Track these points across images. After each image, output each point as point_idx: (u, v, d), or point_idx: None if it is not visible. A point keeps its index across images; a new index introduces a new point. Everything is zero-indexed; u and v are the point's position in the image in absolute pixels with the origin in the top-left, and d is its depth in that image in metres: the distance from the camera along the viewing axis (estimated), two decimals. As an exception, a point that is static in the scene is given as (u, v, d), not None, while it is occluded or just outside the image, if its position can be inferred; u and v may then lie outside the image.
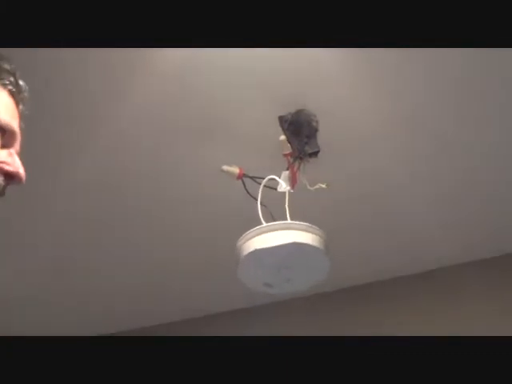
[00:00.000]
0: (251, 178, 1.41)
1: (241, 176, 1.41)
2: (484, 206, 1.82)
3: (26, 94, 0.88)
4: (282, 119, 1.42)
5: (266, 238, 1.24)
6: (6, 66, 0.85)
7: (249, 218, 1.30)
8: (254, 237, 1.25)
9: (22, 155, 1.53)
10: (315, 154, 1.38)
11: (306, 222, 1.27)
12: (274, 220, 1.31)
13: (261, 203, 1.33)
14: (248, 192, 1.40)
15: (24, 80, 1.36)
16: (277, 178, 1.36)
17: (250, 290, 1.38)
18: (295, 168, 1.38)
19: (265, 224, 1.26)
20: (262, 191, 1.35)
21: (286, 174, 1.38)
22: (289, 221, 1.27)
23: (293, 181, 1.37)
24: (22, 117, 0.89)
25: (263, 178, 1.37)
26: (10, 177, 0.85)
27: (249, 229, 1.27)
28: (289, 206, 1.32)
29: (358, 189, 1.72)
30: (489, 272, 2.00)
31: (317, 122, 1.39)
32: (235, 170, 1.42)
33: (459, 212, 1.83)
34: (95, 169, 1.61)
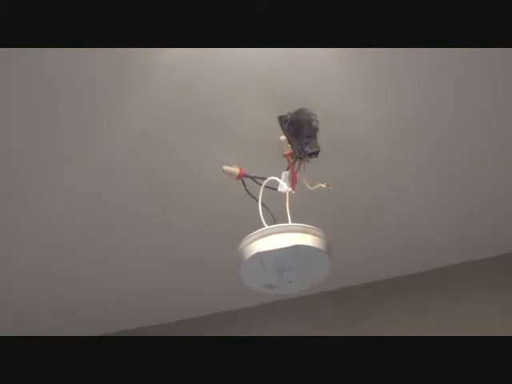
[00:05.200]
0: (251, 178, 1.41)
1: (241, 176, 1.41)
2: (484, 205, 1.82)
3: None
4: (281, 119, 1.42)
5: (268, 240, 1.24)
6: None
7: (249, 219, 1.30)
8: (256, 239, 1.25)
9: (24, 155, 1.54)
10: (315, 153, 1.38)
11: (306, 222, 1.27)
12: (275, 220, 1.31)
13: (261, 204, 1.34)
14: (248, 192, 1.40)
15: (26, 80, 1.36)
16: (278, 179, 1.36)
17: (250, 290, 1.38)
18: (295, 168, 1.38)
19: (267, 226, 1.26)
20: (262, 191, 1.35)
21: (286, 174, 1.38)
22: (290, 223, 1.28)
23: (293, 181, 1.37)
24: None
25: (263, 179, 1.37)
26: None
27: (249, 229, 1.27)
28: (289, 206, 1.32)
29: (358, 189, 1.72)
30: (489, 272, 2.00)
31: (317, 121, 1.39)
32: (235, 169, 1.42)
33: (459, 212, 1.82)
34: (94, 171, 1.60)
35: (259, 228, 1.27)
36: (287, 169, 1.39)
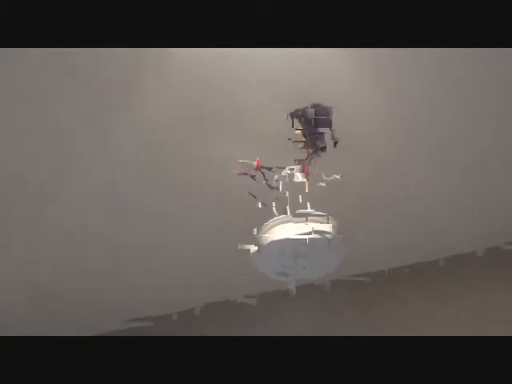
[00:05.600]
0: (268, 169, 1.42)
1: (259, 167, 1.43)
2: (485, 204, 1.83)
3: None
4: (296, 113, 1.42)
5: (284, 228, 1.26)
6: None
7: (258, 213, 1.31)
8: (272, 227, 1.27)
9: (35, 155, 1.53)
10: (325, 148, 1.40)
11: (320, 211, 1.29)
12: (290, 210, 1.33)
13: (278, 194, 1.35)
14: (267, 182, 1.41)
15: (34, 79, 1.36)
16: (293, 169, 1.38)
17: (251, 290, 1.38)
18: (310, 160, 1.39)
19: (283, 215, 1.28)
20: (281, 182, 1.37)
21: (299, 167, 1.39)
22: (307, 210, 1.30)
23: (307, 172, 1.38)
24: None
25: (281, 168, 1.39)
26: None
27: (256, 223, 1.29)
28: (305, 197, 1.33)
29: (363, 187, 1.73)
30: (489, 271, 2.00)
31: (331, 115, 1.40)
32: (253, 162, 1.43)
33: (461, 210, 1.83)
34: (104, 168, 1.61)
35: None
36: (301, 161, 1.40)
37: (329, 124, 1.39)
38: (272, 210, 1.33)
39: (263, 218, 1.30)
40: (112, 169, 1.60)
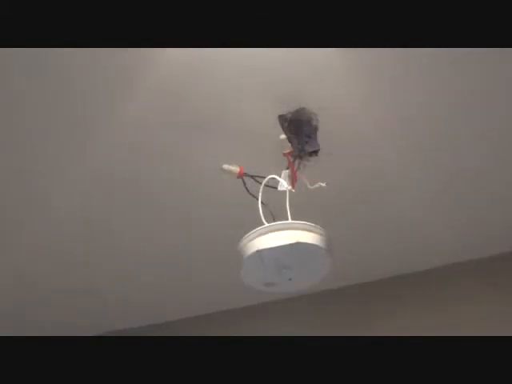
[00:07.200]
0: (251, 176, 1.41)
1: (241, 175, 1.41)
2: (483, 205, 1.82)
3: None
4: (282, 118, 1.42)
5: (268, 238, 1.24)
6: None
7: (249, 218, 1.30)
8: (256, 237, 1.25)
9: (26, 152, 1.54)
10: (315, 152, 1.39)
11: (306, 220, 1.27)
12: (275, 219, 1.31)
13: (261, 202, 1.34)
14: (248, 191, 1.40)
15: (27, 79, 1.36)
16: (277, 177, 1.36)
17: (250, 289, 1.38)
18: (295, 167, 1.38)
19: (267, 224, 1.26)
20: (262, 190, 1.35)
21: (286, 173, 1.38)
22: (290, 220, 1.28)
23: (293, 180, 1.37)
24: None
25: (263, 177, 1.37)
26: None
27: (249, 228, 1.27)
28: (289, 205, 1.32)
29: (357, 188, 1.72)
30: (489, 272, 2.00)
31: (317, 120, 1.40)
32: (235, 168, 1.42)
33: (459, 212, 1.83)
34: (93, 168, 1.61)
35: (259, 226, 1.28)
36: (287, 167, 1.39)
37: (314, 129, 1.38)
38: (261, 218, 1.31)
39: (256, 225, 1.28)
40: (95, 168, 1.60)
